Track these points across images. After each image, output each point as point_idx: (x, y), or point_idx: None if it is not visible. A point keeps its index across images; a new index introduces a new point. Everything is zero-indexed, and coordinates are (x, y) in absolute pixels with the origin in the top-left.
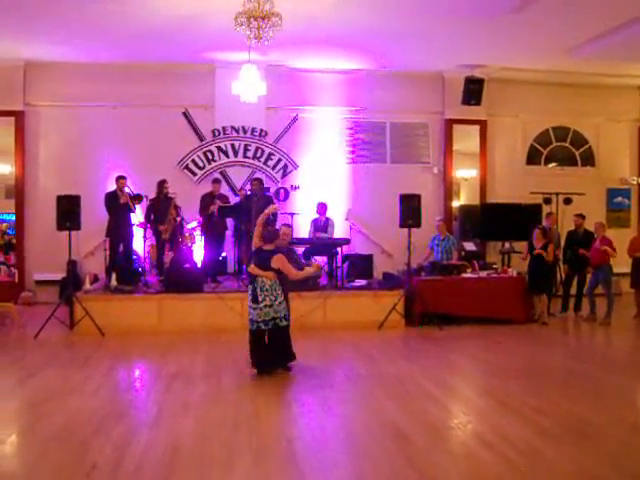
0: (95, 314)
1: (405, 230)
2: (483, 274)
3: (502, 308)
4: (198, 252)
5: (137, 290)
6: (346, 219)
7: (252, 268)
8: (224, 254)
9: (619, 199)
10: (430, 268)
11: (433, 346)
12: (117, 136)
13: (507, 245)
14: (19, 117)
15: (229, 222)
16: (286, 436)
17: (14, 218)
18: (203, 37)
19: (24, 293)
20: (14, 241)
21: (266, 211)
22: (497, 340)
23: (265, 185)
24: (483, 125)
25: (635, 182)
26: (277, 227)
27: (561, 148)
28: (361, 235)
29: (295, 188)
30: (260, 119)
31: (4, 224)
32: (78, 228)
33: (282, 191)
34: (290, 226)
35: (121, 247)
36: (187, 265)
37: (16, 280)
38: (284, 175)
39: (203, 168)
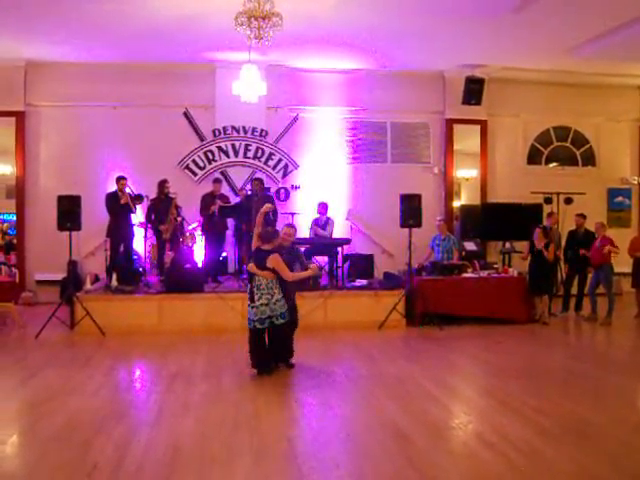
0: (96, 314)
1: (406, 230)
2: (484, 274)
3: (503, 308)
4: (199, 252)
5: (138, 290)
6: (347, 219)
7: (251, 267)
8: (225, 254)
9: (620, 199)
10: (431, 268)
11: (434, 346)
12: (118, 136)
13: (508, 245)
14: (20, 117)
15: (230, 222)
16: (286, 436)
17: (15, 218)
18: (203, 37)
19: (25, 293)
20: (15, 241)
21: (261, 210)
22: (497, 340)
23: (266, 185)
24: (484, 125)
25: (636, 182)
26: (277, 227)
27: (562, 148)
28: (362, 235)
29: (296, 188)
30: (260, 119)
31: (5, 224)
32: (79, 228)
33: (283, 191)
34: (293, 226)
35: (122, 247)
36: (188, 265)
37: (17, 280)
38: (285, 175)
39: (204, 168)
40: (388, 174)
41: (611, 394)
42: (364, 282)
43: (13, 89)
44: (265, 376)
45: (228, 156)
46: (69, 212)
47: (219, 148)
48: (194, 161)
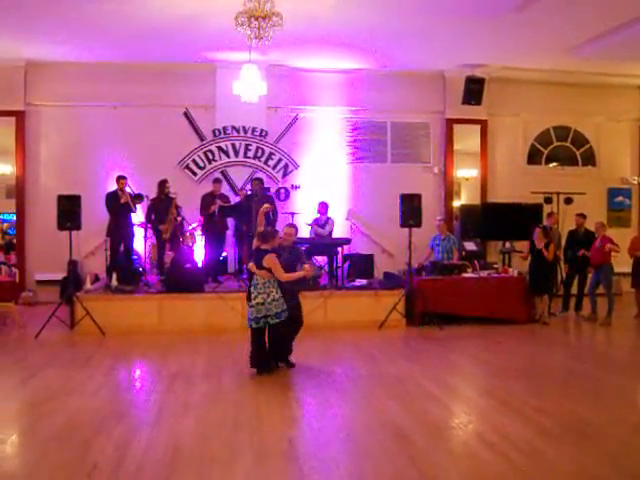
0: (96, 314)
1: (406, 230)
2: (484, 274)
3: (503, 308)
4: (199, 252)
5: (138, 290)
6: (347, 219)
7: (251, 266)
8: (225, 254)
9: (620, 199)
10: (431, 268)
11: (434, 346)
12: (118, 136)
13: (508, 245)
14: (20, 117)
15: (230, 222)
16: (287, 436)
17: (15, 218)
18: (204, 37)
19: (25, 293)
20: (15, 241)
21: (261, 210)
22: (498, 340)
23: (266, 185)
24: (484, 125)
25: (636, 182)
26: (277, 226)
27: (562, 148)
28: (362, 235)
29: (296, 188)
30: (261, 119)
31: (5, 224)
32: (79, 228)
33: (282, 191)
34: (294, 226)
35: (122, 247)
36: (188, 265)
37: (17, 280)
38: (285, 175)
39: (204, 168)
40: (388, 174)
41: (611, 394)
42: (364, 282)
43: (13, 89)
44: (265, 376)
45: (228, 156)
46: (69, 212)
47: (219, 148)
48: (194, 161)
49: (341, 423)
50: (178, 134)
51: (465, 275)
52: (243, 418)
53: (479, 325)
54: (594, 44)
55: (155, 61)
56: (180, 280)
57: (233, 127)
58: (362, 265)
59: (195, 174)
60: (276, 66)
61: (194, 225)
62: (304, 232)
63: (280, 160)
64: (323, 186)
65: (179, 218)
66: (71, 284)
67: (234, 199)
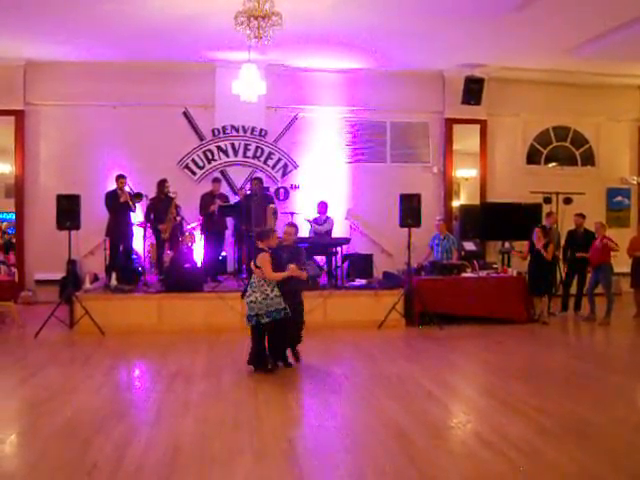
0: (95, 313)
1: (405, 230)
2: (483, 274)
3: (502, 308)
4: (198, 251)
5: (137, 289)
6: (346, 218)
7: (251, 265)
8: (224, 253)
9: (619, 199)
10: (430, 268)
11: (433, 346)
12: (117, 135)
13: (507, 245)
14: (19, 116)
15: (229, 221)
16: (287, 436)
17: (14, 217)
18: (203, 36)
19: (24, 292)
20: (14, 240)
21: (268, 213)
22: (498, 340)
23: (265, 184)
24: (483, 125)
25: (635, 182)
26: (277, 226)
27: (561, 148)
28: (361, 234)
29: (295, 187)
30: (260, 118)
31: (4, 223)
32: (78, 227)
33: (282, 190)
34: (294, 225)
35: (121, 246)
36: (187, 265)
37: (16, 279)
38: (284, 174)
39: (203, 167)
40: (387, 174)
41: (611, 394)
42: (363, 282)
43: (13, 88)
44: (264, 375)
45: (227, 155)
46: (68, 211)
47: (218, 147)
48: (193, 160)
49: (341, 423)
50: (177, 134)
51: (464, 275)
52: (243, 418)
53: (478, 325)
54: (594, 44)
55: (155, 61)
56: (179, 280)
57: (232, 127)
58: (361, 265)
59: (194, 174)
60: (275, 66)
61: (193, 224)
62: (304, 230)
63: (279, 160)
64: (322, 186)
65: (178, 218)
66: (70, 284)
67: (233, 199)
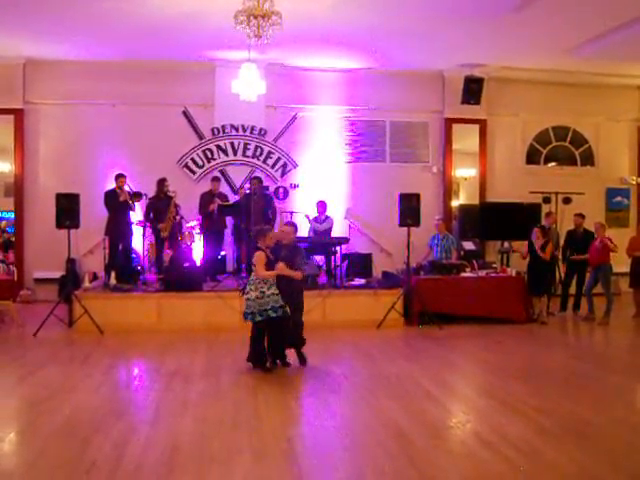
0: (94, 312)
1: (404, 229)
2: (482, 273)
3: (501, 307)
4: (197, 251)
5: (136, 288)
6: (345, 218)
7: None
8: (223, 253)
9: (618, 199)
10: (429, 267)
11: (433, 345)
12: (117, 134)
13: (506, 244)
14: (19, 115)
15: (228, 221)
16: (286, 435)
17: (13, 216)
18: (203, 35)
19: (23, 291)
20: (13, 239)
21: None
22: (497, 340)
23: (264, 184)
24: (483, 124)
25: (634, 182)
26: (276, 226)
27: (561, 147)
28: (360, 234)
29: (294, 187)
30: (259, 118)
31: (3, 222)
32: (77, 226)
33: (281, 190)
34: (291, 224)
35: (120, 245)
36: (186, 264)
37: (15, 278)
38: (283, 174)
39: (202, 167)
40: (387, 173)
41: (610, 394)
42: (362, 281)
43: (12, 87)
44: (262, 374)
45: (227, 155)
46: (68, 210)
47: (218, 147)
48: (193, 160)
49: (340, 422)
50: (177, 133)
51: (463, 275)
52: (242, 417)
53: (478, 325)
54: (593, 44)
55: (154, 59)
56: (179, 279)
57: (232, 126)
58: (360, 264)
59: (194, 173)
60: (275, 65)
61: (193, 223)
62: (304, 228)
63: (279, 159)
64: (322, 185)
65: (178, 217)
66: (69, 282)
67: (233, 198)
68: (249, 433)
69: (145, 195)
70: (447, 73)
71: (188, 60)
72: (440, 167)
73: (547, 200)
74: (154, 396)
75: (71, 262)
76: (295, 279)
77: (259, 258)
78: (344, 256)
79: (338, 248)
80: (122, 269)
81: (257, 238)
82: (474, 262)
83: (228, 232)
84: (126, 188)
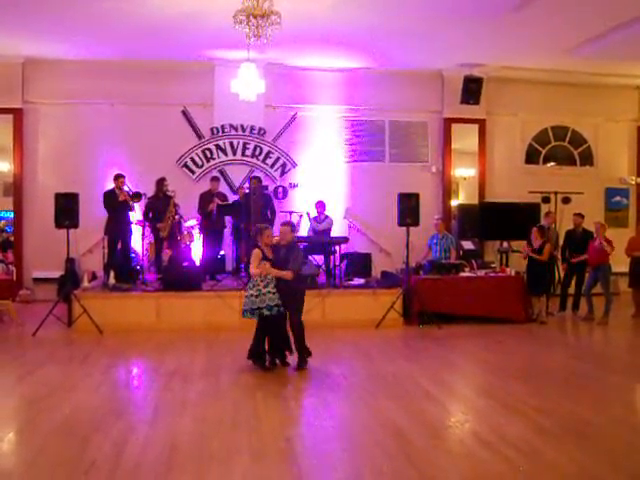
0: (93, 312)
1: (403, 229)
2: (481, 273)
3: (500, 307)
4: (196, 250)
5: (135, 288)
6: (345, 218)
7: None
8: (222, 252)
9: (617, 199)
10: (428, 267)
11: (432, 345)
12: (116, 134)
13: (505, 244)
14: (17, 114)
15: (227, 220)
16: (285, 435)
17: (12, 216)
18: (202, 35)
19: (22, 291)
20: (12, 239)
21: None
22: (498, 339)
23: (264, 183)
24: (482, 124)
25: (633, 182)
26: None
27: (560, 147)
28: (359, 234)
29: (294, 186)
30: (259, 117)
31: (2, 221)
32: (76, 226)
33: (281, 189)
34: (288, 224)
35: (119, 245)
36: (185, 263)
37: (14, 278)
38: (283, 173)
39: (202, 166)
40: (386, 173)
41: (610, 394)
42: (362, 281)
43: (11, 86)
44: (262, 373)
45: (226, 154)
46: (67, 210)
47: (217, 146)
48: (192, 159)
49: (339, 422)
50: (176, 132)
51: (462, 274)
52: (241, 417)
53: (477, 324)
54: (593, 44)
55: (153, 59)
56: (178, 278)
57: (231, 125)
58: (360, 264)
59: (193, 172)
60: (274, 64)
61: (192, 223)
62: (304, 226)
63: (278, 159)
64: (321, 185)
65: (177, 216)
66: (69, 282)
67: (232, 198)
68: (248, 433)
69: (144, 195)
70: (446, 73)
71: (187, 60)
72: (439, 167)
73: (546, 200)
74: (153, 396)
75: (70, 262)
76: (299, 280)
77: (254, 255)
78: (343, 256)
79: (337, 248)
80: (121, 269)
81: (255, 236)
82: (473, 262)
83: (227, 232)
84: (125, 188)
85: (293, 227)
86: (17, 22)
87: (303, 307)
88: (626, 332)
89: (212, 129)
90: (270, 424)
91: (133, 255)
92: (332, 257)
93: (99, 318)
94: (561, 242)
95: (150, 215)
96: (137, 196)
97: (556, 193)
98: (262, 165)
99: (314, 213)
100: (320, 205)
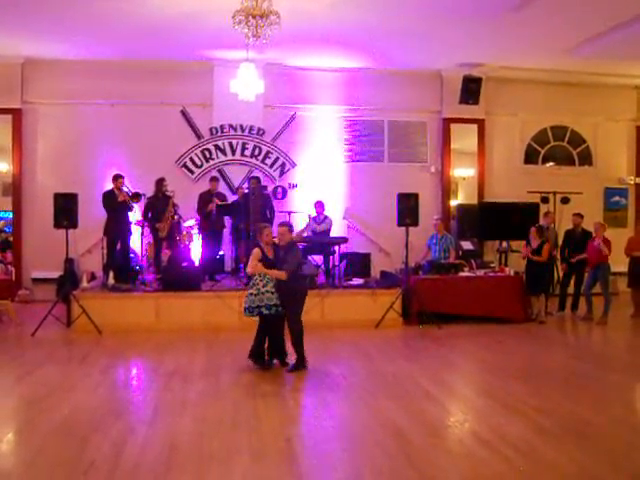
0: (92, 312)
1: (403, 229)
2: (480, 273)
3: (499, 307)
4: (196, 250)
5: (134, 288)
6: (344, 218)
7: None
8: (222, 252)
9: (616, 198)
10: (428, 267)
11: (432, 345)
12: (115, 134)
13: (504, 244)
14: (17, 115)
15: (227, 220)
16: (285, 435)
17: (11, 216)
18: (201, 35)
19: (21, 291)
20: (11, 239)
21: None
22: (498, 339)
23: (263, 183)
24: (481, 124)
25: (632, 182)
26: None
27: (559, 147)
28: (359, 234)
29: (293, 186)
30: (258, 117)
31: (1, 222)
32: (75, 226)
33: (280, 189)
34: (285, 224)
35: (118, 245)
36: (185, 263)
37: (13, 278)
38: (282, 173)
39: (201, 166)
40: (385, 173)
41: (610, 394)
42: (361, 281)
43: (10, 86)
44: (261, 373)
45: (225, 154)
46: (66, 210)
47: (216, 146)
48: (191, 159)
49: (339, 422)
50: (175, 132)
51: (462, 274)
52: (241, 417)
53: (477, 324)
54: (592, 44)
55: (153, 59)
56: (177, 278)
57: (230, 125)
58: (359, 264)
59: (192, 172)
60: (274, 65)
61: (191, 223)
62: (303, 224)
63: (277, 159)
64: (320, 185)
65: (176, 217)
66: (68, 282)
67: (231, 198)
68: (248, 433)
69: (144, 195)
70: (445, 73)
71: (187, 60)
72: (438, 167)
73: (545, 200)
74: (153, 396)
75: (69, 262)
76: (297, 280)
77: (253, 254)
78: (342, 256)
79: (336, 248)
80: (120, 269)
81: (256, 235)
82: (472, 262)
83: (226, 232)
84: (125, 189)
85: (291, 227)
86: (17, 22)
87: (302, 309)
88: (625, 332)
89: (211, 129)
90: (270, 424)
91: (132, 255)
92: (331, 257)
93: (98, 318)
94: (560, 242)
95: (149, 215)
96: (136, 196)
97: (555, 193)
98: (261, 165)
99: (313, 213)
100: (319, 205)
